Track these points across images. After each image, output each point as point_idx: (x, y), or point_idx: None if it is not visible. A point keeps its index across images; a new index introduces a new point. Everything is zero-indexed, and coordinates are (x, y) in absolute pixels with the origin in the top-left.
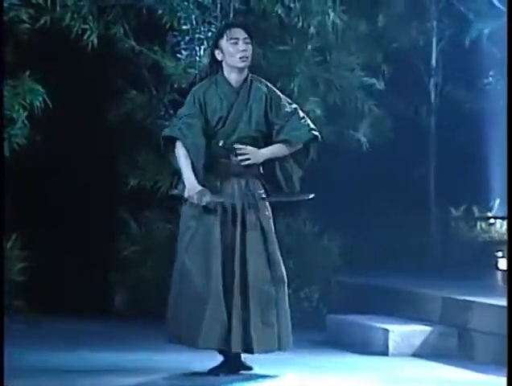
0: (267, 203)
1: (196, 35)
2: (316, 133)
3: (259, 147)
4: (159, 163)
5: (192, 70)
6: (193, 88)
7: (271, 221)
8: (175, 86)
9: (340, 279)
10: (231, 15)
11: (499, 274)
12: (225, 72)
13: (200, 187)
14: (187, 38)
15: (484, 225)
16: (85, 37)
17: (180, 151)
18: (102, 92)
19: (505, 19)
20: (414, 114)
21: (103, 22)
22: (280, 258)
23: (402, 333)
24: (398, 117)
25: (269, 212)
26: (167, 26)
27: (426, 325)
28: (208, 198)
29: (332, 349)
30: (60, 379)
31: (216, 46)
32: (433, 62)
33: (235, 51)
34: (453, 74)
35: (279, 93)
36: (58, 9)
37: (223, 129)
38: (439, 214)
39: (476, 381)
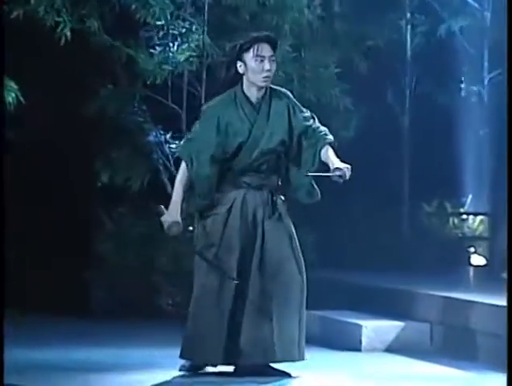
0: (287, 213)
1: (170, 31)
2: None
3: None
4: (131, 159)
5: (166, 66)
6: (208, 105)
7: (294, 232)
8: (149, 82)
9: (313, 275)
10: (205, 11)
11: (471, 270)
12: (244, 87)
13: (175, 219)
14: (162, 33)
15: (456, 221)
16: (59, 30)
17: (181, 172)
18: (75, 86)
19: (478, 16)
20: (388, 111)
21: (77, 15)
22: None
23: (376, 328)
24: (371, 114)
25: (290, 221)
26: (141, 22)
27: (399, 320)
28: (174, 231)
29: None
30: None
31: (239, 58)
32: (407, 59)
33: (259, 70)
34: (427, 71)
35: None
36: (32, 1)
37: (244, 148)
38: (411, 210)
39: (449, 376)
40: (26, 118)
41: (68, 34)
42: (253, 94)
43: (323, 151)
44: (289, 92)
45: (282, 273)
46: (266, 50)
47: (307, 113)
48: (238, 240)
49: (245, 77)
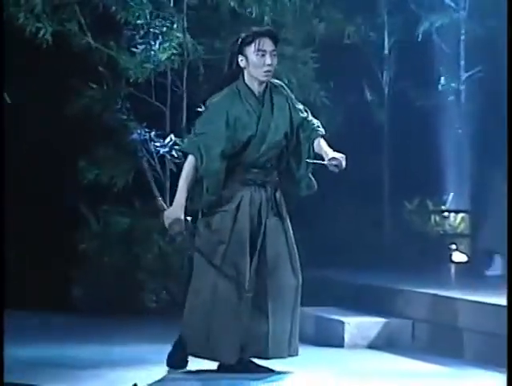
0: (286, 210)
1: (152, 30)
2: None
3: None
4: (116, 158)
5: (148, 64)
6: (214, 100)
7: (291, 229)
8: (132, 80)
9: None
10: (184, 9)
11: (453, 267)
12: (246, 81)
13: (179, 216)
14: (142, 32)
15: (438, 218)
16: (40, 35)
17: (187, 168)
18: (58, 87)
19: (454, 15)
20: (368, 109)
21: (57, 19)
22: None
23: (358, 325)
24: (351, 111)
25: (288, 218)
26: (122, 22)
27: (381, 317)
28: (176, 229)
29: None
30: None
31: (240, 52)
32: (385, 57)
33: (261, 64)
34: (405, 69)
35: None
36: (10, 8)
37: (253, 143)
38: (393, 207)
39: (430, 372)
40: (11, 119)
41: (50, 38)
42: (255, 88)
43: (315, 143)
44: (284, 85)
45: (278, 269)
46: (267, 44)
47: (301, 106)
48: (248, 237)
49: (246, 71)
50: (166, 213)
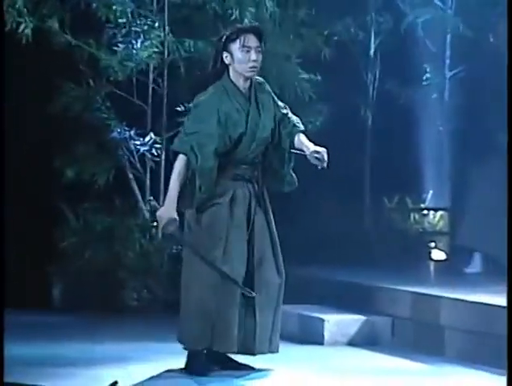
0: (270, 205)
1: (133, 28)
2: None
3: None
4: (97, 156)
5: (129, 63)
6: (202, 98)
7: (274, 226)
8: (112, 78)
9: None
10: (166, 8)
11: (432, 264)
12: (232, 78)
13: (173, 216)
14: (124, 31)
15: (417, 216)
16: (20, 30)
17: (178, 166)
18: (39, 85)
19: (441, 13)
20: (349, 106)
21: (38, 15)
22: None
23: (338, 322)
24: (333, 109)
25: (271, 214)
26: (104, 20)
27: (361, 314)
28: (170, 229)
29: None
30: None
31: (225, 49)
32: (370, 55)
33: (246, 60)
34: (389, 67)
35: None
36: None
37: (244, 140)
38: (372, 205)
39: (410, 370)
40: None
41: (30, 33)
42: (240, 84)
43: (296, 138)
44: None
45: (263, 266)
46: (252, 40)
47: (281, 102)
48: (245, 233)
49: (231, 68)
50: (159, 213)
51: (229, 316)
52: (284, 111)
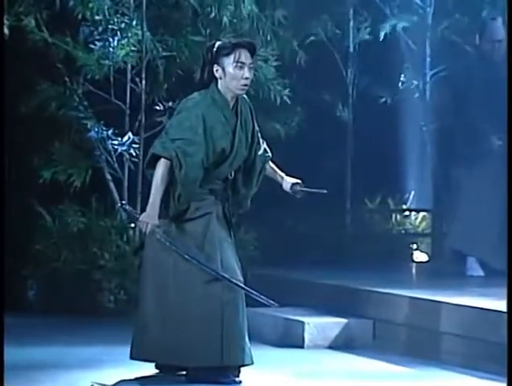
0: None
1: (110, 26)
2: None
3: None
4: (73, 156)
5: (106, 61)
6: (188, 104)
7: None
8: (89, 77)
9: (255, 272)
10: (143, 6)
11: (414, 266)
12: (220, 89)
13: (156, 222)
14: (101, 28)
15: (399, 217)
16: None
17: (160, 171)
18: (14, 83)
19: (420, 12)
20: (330, 106)
21: (14, 13)
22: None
23: (318, 325)
24: (314, 109)
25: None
26: (80, 17)
27: (341, 317)
28: (155, 236)
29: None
30: None
31: (216, 61)
32: (350, 54)
33: (238, 77)
34: (369, 67)
35: None
36: None
37: (226, 155)
38: (354, 206)
39: (391, 373)
40: None
41: (7, 32)
42: (228, 99)
43: (267, 166)
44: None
45: (227, 272)
46: (246, 57)
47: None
48: (218, 246)
49: (220, 81)
50: (143, 219)
51: (205, 331)
52: (257, 129)
